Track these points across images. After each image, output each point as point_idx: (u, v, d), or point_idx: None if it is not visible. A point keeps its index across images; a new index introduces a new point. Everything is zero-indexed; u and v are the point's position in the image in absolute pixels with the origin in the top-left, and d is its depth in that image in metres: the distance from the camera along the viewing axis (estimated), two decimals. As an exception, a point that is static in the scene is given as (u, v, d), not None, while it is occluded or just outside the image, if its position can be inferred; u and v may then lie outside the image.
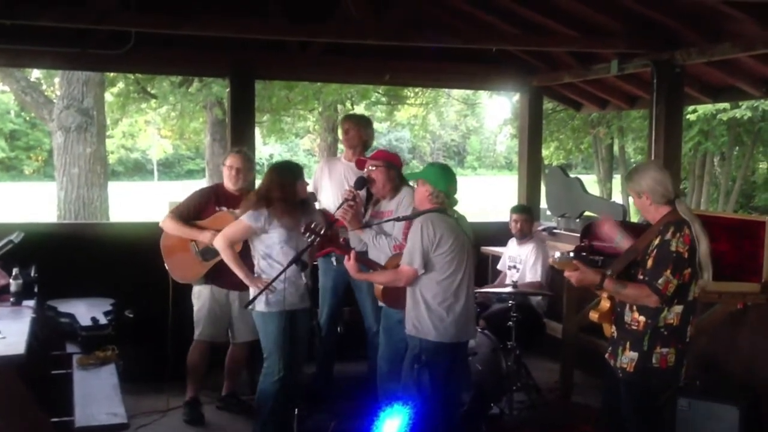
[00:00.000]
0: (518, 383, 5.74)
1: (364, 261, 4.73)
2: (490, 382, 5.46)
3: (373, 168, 5.07)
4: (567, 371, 6.25)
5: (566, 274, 4.00)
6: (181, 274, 5.58)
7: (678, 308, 3.77)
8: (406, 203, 4.93)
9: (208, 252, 5.40)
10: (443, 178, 4.43)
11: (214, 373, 5.93)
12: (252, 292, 4.87)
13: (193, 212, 5.52)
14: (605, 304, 4.02)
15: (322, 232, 4.55)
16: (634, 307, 3.83)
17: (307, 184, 5.08)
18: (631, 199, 4.19)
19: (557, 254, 4.66)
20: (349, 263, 4.54)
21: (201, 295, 5.60)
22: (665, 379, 3.86)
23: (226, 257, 4.92)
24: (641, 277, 3.78)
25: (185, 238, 5.47)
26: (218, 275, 5.45)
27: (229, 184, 5.56)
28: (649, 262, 3.74)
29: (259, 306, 4.83)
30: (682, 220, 3.76)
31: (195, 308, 5.63)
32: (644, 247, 3.82)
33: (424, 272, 4.31)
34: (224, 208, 5.47)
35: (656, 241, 3.75)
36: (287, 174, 4.93)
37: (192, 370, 5.67)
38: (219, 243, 4.93)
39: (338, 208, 5.05)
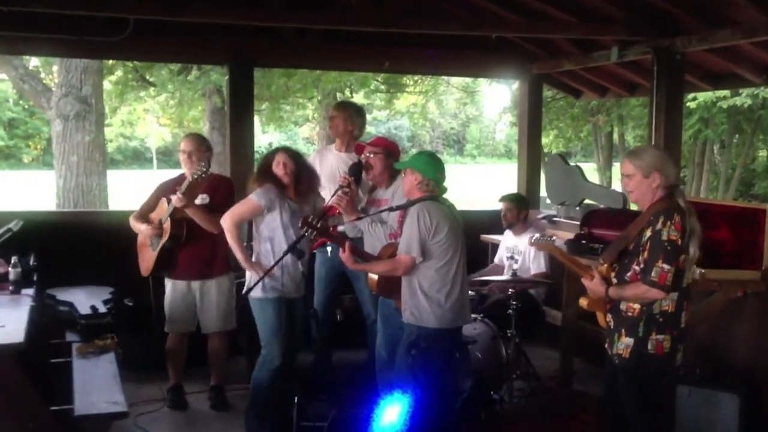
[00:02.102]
0: (518, 371, 5.73)
1: (359, 252, 4.72)
2: (489, 370, 5.46)
3: (371, 155, 5.04)
4: (566, 359, 6.25)
5: (583, 280, 3.99)
6: (144, 267, 5.64)
7: (673, 295, 3.75)
8: (401, 192, 4.91)
9: (154, 240, 5.49)
10: (432, 166, 4.44)
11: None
12: (248, 276, 4.90)
13: (152, 206, 5.58)
14: None
15: (318, 225, 4.54)
16: None
17: (284, 161, 4.90)
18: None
19: (536, 235, 4.64)
20: (344, 255, 4.53)
21: (167, 288, 5.62)
22: (661, 366, 3.85)
23: (230, 237, 4.88)
24: (636, 267, 3.76)
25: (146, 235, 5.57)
26: (172, 267, 5.50)
27: (185, 170, 5.48)
28: (645, 254, 3.72)
29: (256, 292, 4.80)
30: (672, 208, 3.71)
31: (164, 301, 5.66)
32: (635, 236, 3.80)
33: (422, 260, 4.31)
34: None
35: (648, 232, 3.71)
36: (264, 157, 5.07)
37: (170, 358, 5.70)
38: (225, 222, 4.88)
39: (333, 195, 5.02)
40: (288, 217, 4.82)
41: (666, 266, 3.63)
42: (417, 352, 4.36)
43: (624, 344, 3.82)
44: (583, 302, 4.07)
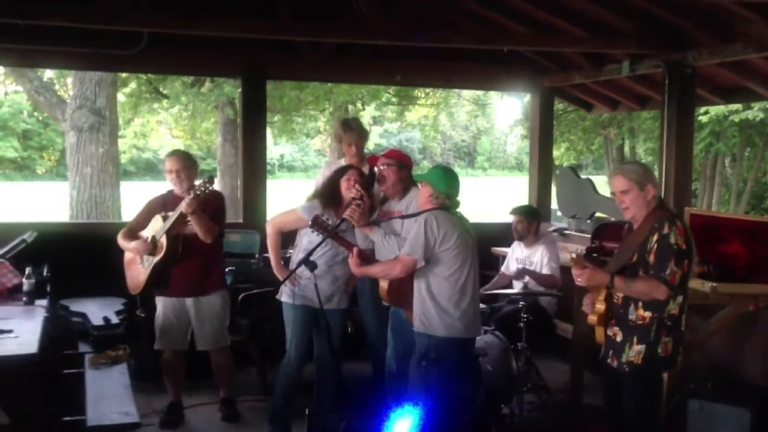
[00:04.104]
0: (528, 384, 5.72)
1: (366, 257, 4.74)
2: (500, 383, 5.45)
3: (385, 167, 5.07)
4: (577, 372, 6.22)
5: (574, 272, 4.00)
6: (132, 285, 5.56)
7: (679, 299, 3.91)
8: (415, 204, 4.93)
9: (146, 258, 5.41)
10: (443, 181, 4.50)
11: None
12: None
13: (142, 223, 5.48)
14: (601, 307, 4.06)
15: (328, 227, 4.63)
16: (639, 304, 3.92)
17: (356, 177, 4.99)
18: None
19: (578, 250, 4.64)
20: (352, 259, 4.57)
21: (158, 306, 5.54)
22: (667, 366, 4.06)
23: (269, 242, 5.11)
24: (644, 273, 3.86)
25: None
26: (164, 285, 5.43)
27: (175, 188, 5.44)
28: (652, 258, 3.83)
29: (283, 296, 5.08)
30: (672, 215, 3.91)
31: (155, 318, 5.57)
32: (639, 245, 3.90)
33: (425, 265, 4.35)
34: (170, 213, 5.31)
35: (654, 237, 3.83)
36: (334, 173, 5.17)
37: (165, 374, 5.62)
38: (268, 227, 5.17)
39: (346, 207, 5.05)
40: None
41: (675, 268, 3.78)
42: (428, 363, 4.38)
43: (636, 351, 3.93)
44: (592, 319, 4.12)
